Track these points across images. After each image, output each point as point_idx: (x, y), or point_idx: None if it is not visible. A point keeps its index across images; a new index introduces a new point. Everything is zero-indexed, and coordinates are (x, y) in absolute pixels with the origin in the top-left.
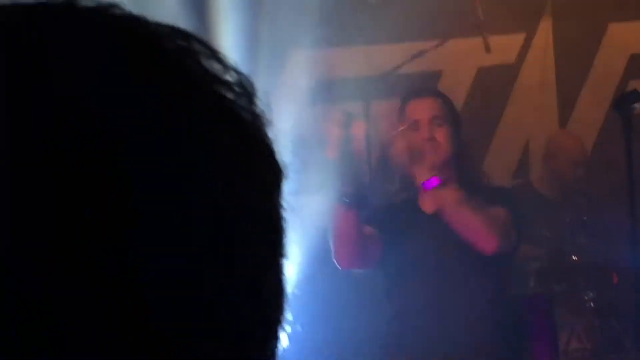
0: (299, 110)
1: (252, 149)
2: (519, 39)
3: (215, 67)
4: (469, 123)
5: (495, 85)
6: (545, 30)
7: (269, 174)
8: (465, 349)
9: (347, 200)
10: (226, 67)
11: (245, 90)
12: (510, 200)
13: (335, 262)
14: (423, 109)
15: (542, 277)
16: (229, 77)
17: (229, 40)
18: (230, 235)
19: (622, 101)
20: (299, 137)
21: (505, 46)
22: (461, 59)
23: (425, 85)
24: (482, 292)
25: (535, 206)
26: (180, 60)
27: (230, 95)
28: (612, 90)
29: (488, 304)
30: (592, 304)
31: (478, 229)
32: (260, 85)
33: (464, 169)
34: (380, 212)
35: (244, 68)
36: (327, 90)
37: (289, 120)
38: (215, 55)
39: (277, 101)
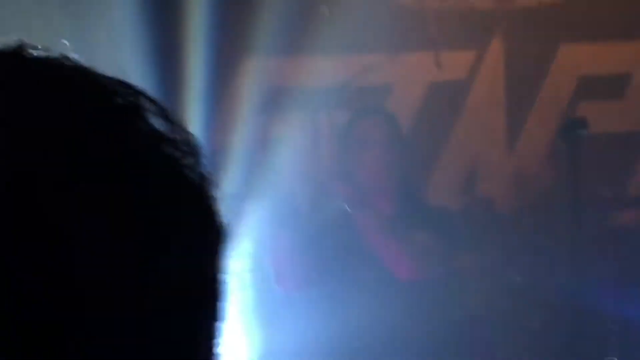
0: (249, 118)
1: (194, 212)
2: (470, 56)
3: (163, 125)
4: (418, 137)
5: (445, 101)
6: (496, 49)
7: (209, 237)
8: None
9: (287, 221)
10: (174, 125)
11: (192, 149)
12: (447, 222)
13: (278, 285)
14: (367, 130)
15: (484, 296)
16: (176, 136)
17: (183, 46)
18: (162, 298)
19: (568, 128)
20: (246, 145)
21: (456, 63)
22: (412, 74)
23: (372, 105)
24: (417, 313)
25: (483, 225)
26: (127, 118)
27: (176, 155)
28: (562, 110)
29: (425, 324)
30: (535, 324)
31: (394, 257)
32: (211, 92)
33: (403, 189)
34: (317, 232)
35: (196, 73)
36: (277, 100)
37: (239, 128)
38: (163, 113)
39: (228, 109)
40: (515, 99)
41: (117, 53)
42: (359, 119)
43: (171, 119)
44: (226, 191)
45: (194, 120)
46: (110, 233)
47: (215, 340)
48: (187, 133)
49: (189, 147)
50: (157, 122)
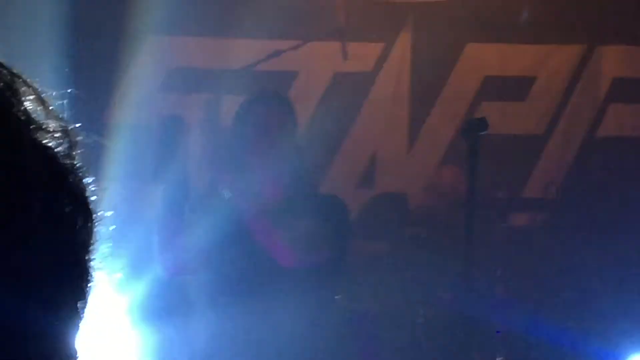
0: (150, 97)
1: (63, 198)
2: (377, 48)
3: (39, 110)
4: (320, 126)
5: (349, 91)
6: (403, 42)
7: (79, 227)
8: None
9: (173, 204)
10: (49, 111)
11: (67, 137)
12: (335, 210)
13: (161, 268)
14: (261, 114)
15: (376, 288)
16: (52, 123)
17: (85, 24)
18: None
19: (468, 127)
20: (145, 125)
21: (363, 54)
22: (318, 62)
23: (267, 88)
24: (308, 302)
25: (377, 217)
26: (1, 103)
27: (51, 143)
28: (464, 109)
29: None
30: (423, 319)
31: (276, 244)
32: (115, 70)
33: (294, 175)
34: (204, 218)
35: (98, 53)
36: (179, 80)
37: (139, 107)
38: (39, 97)
39: (129, 87)
40: (419, 94)
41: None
42: (254, 102)
43: (47, 104)
44: (116, 173)
45: (94, 97)
46: None
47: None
48: (63, 120)
49: (65, 134)
50: (32, 107)
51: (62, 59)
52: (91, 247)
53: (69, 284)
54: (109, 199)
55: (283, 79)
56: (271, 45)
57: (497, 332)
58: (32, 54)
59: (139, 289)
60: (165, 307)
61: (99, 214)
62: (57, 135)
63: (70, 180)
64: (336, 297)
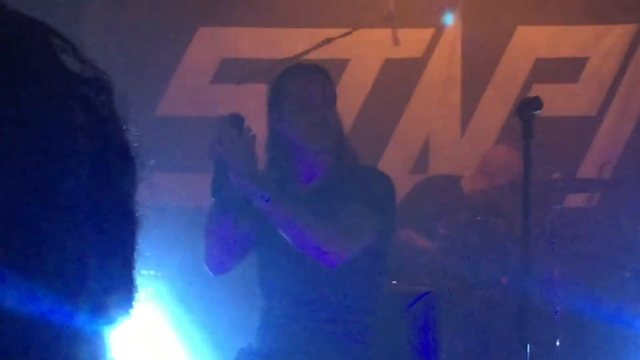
0: (203, 88)
1: (107, 146)
2: (427, 33)
3: (75, 63)
4: (372, 113)
5: (401, 77)
6: (454, 27)
7: (124, 171)
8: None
9: (222, 201)
10: (85, 63)
11: (104, 87)
12: (380, 185)
13: (208, 268)
14: (313, 87)
15: (432, 272)
16: (88, 74)
17: (133, 13)
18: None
19: (523, 106)
20: (198, 115)
21: (413, 40)
22: (369, 49)
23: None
24: (355, 284)
25: (434, 202)
26: (39, 56)
27: (88, 93)
28: (516, 92)
29: (365, 296)
30: (480, 303)
31: (313, 245)
32: (165, 61)
33: (341, 148)
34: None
35: (148, 42)
36: (232, 71)
37: (192, 98)
38: (75, 51)
39: (182, 77)
40: (471, 78)
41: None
42: (292, 74)
43: (83, 57)
44: (168, 164)
45: (148, 88)
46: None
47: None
48: (99, 71)
49: (101, 85)
50: (69, 60)
51: (114, 51)
52: (135, 196)
53: (123, 232)
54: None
55: (334, 67)
56: (321, 33)
57: (556, 312)
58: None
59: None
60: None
61: (141, 162)
62: (96, 86)
63: (112, 128)
64: (393, 282)
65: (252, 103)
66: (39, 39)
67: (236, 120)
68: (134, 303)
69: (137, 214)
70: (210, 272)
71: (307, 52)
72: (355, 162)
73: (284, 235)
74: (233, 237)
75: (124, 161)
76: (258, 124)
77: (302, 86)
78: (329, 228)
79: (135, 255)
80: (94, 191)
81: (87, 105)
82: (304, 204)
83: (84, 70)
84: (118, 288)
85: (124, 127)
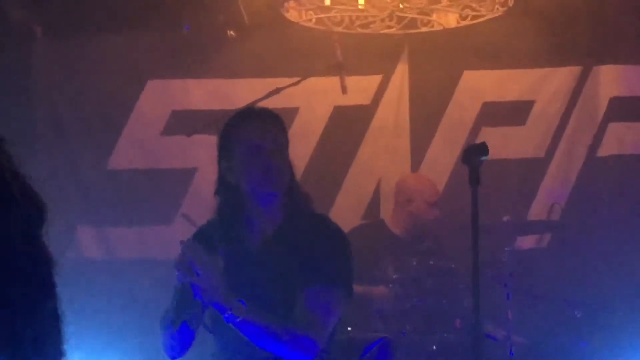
0: (154, 140)
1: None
2: (375, 80)
3: None
4: (323, 160)
5: (350, 124)
6: (401, 73)
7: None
8: None
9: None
10: None
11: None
12: (348, 246)
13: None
14: (264, 132)
15: (386, 319)
16: None
17: (81, 67)
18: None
19: (469, 153)
20: (149, 167)
21: (362, 87)
22: (318, 97)
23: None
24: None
25: (385, 246)
26: None
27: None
28: (464, 136)
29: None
30: (434, 348)
31: (285, 353)
32: (115, 114)
33: (294, 193)
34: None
35: (98, 96)
36: (183, 122)
37: (142, 150)
38: None
39: (132, 130)
40: (420, 123)
41: None
42: (244, 118)
43: None
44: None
45: (99, 142)
46: None
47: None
48: None
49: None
50: None
51: (63, 108)
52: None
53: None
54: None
55: (284, 116)
56: (271, 83)
57: (511, 353)
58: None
59: None
60: None
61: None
62: None
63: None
64: (348, 329)
65: (203, 154)
66: None
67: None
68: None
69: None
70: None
71: (257, 101)
72: (309, 209)
73: (257, 344)
74: (193, 333)
75: (40, 208)
76: (210, 175)
77: (253, 130)
78: (302, 333)
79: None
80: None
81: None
82: (257, 262)
83: None
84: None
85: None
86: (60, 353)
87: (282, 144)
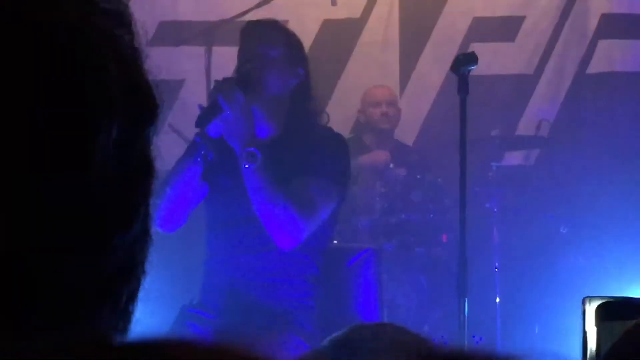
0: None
1: (125, 84)
2: None
3: None
4: (311, 74)
5: (339, 38)
6: None
7: (141, 110)
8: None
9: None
10: None
11: (123, 20)
12: (344, 148)
13: (158, 222)
14: (255, 39)
15: (373, 232)
16: (107, 6)
17: None
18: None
19: (458, 62)
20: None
21: (351, 0)
22: (307, 10)
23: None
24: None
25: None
26: None
27: (108, 25)
28: (454, 51)
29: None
30: (420, 261)
31: (275, 225)
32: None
33: (297, 104)
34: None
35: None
36: (170, 33)
37: None
38: None
39: None
40: (409, 38)
41: None
42: (252, 26)
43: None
44: None
45: None
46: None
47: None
48: (119, 3)
49: (120, 18)
50: None
51: None
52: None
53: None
54: None
55: None
56: None
57: (495, 269)
58: None
59: None
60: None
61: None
62: (116, 19)
63: (136, 70)
64: (334, 241)
65: (191, 65)
66: None
67: (245, 83)
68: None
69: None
70: (158, 228)
71: (245, 13)
72: (315, 118)
73: (254, 204)
74: (191, 194)
75: (150, 107)
76: (198, 87)
77: (244, 35)
78: (295, 208)
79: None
80: (123, 146)
81: (113, 46)
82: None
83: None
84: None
85: (141, 64)
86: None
87: (270, 51)
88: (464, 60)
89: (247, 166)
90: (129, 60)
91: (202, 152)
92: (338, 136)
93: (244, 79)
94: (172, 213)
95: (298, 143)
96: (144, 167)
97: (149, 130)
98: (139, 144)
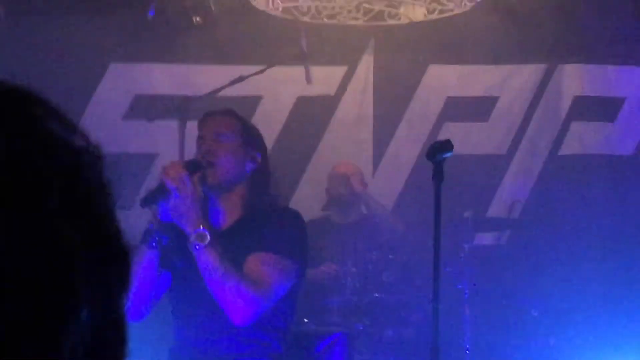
0: (115, 124)
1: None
2: (340, 71)
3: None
4: (285, 150)
5: (313, 115)
6: (366, 65)
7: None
8: None
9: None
10: (70, 127)
11: (93, 154)
12: (301, 224)
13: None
14: (210, 126)
15: (344, 312)
16: (76, 139)
17: (43, 49)
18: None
19: (434, 149)
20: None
21: (326, 78)
22: (282, 87)
23: (225, 107)
24: (265, 321)
25: (338, 240)
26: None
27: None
28: (428, 130)
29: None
30: (391, 342)
31: (228, 303)
32: (76, 98)
33: (255, 189)
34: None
35: (59, 79)
36: (145, 106)
37: (103, 134)
38: (59, 117)
39: (94, 114)
40: (383, 116)
41: None
42: (208, 116)
43: (68, 123)
44: None
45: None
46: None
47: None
48: (87, 136)
49: (89, 149)
50: (55, 128)
51: (23, 84)
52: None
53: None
54: None
55: (248, 104)
56: (235, 70)
57: (467, 350)
58: None
59: None
60: None
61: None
62: (87, 150)
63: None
64: (305, 320)
65: (164, 140)
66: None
67: (193, 166)
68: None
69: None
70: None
71: (220, 89)
72: (274, 202)
73: (207, 283)
74: (152, 281)
75: (121, 273)
76: (171, 160)
77: (201, 122)
78: (247, 286)
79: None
80: (95, 325)
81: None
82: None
83: (72, 138)
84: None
85: (112, 201)
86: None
87: (226, 137)
88: (439, 148)
89: (197, 247)
90: (96, 212)
91: (156, 237)
92: (294, 214)
93: (196, 162)
94: (134, 302)
95: (255, 225)
96: (117, 337)
97: (121, 298)
98: (111, 314)
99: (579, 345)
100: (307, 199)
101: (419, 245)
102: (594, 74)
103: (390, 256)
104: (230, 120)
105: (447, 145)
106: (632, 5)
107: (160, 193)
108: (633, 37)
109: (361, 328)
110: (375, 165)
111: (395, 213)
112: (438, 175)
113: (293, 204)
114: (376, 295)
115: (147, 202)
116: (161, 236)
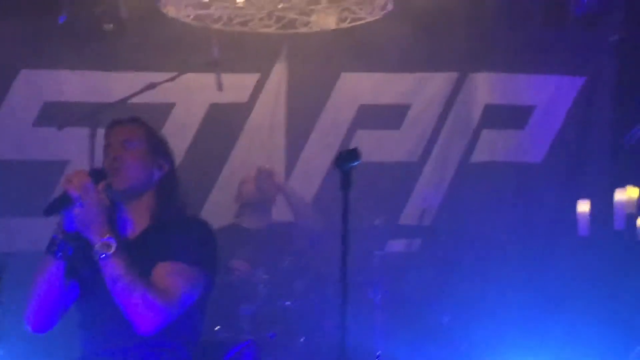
0: (25, 131)
1: None
2: (252, 79)
3: None
4: (197, 157)
5: (226, 122)
6: (279, 73)
7: None
8: None
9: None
10: None
11: None
12: (209, 232)
13: (28, 324)
14: (116, 133)
15: (255, 320)
16: None
17: None
18: None
19: (341, 158)
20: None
21: (239, 85)
22: (194, 94)
23: (132, 115)
24: (172, 331)
25: (249, 246)
26: None
27: None
28: (340, 138)
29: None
30: (300, 350)
31: (134, 312)
32: None
33: (163, 197)
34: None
35: None
36: (55, 113)
37: (13, 141)
38: None
39: (3, 121)
40: (296, 124)
41: None
42: (115, 124)
43: None
44: None
45: None
46: None
47: None
48: None
49: None
50: None
51: None
52: None
53: None
54: None
55: (160, 111)
56: (146, 77)
57: (377, 357)
58: None
59: None
60: None
61: None
62: None
63: None
64: (216, 328)
65: (75, 147)
66: None
67: (98, 174)
68: None
69: None
70: (30, 329)
71: (132, 96)
72: (182, 211)
73: (112, 292)
74: (59, 292)
75: None
76: (81, 167)
77: (108, 128)
78: (154, 295)
79: None
80: None
81: None
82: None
83: None
84: None
85: None
86: None
87: (132, 144)
88: (347, 157)
89: (102, 256)
90: None
91: (62, 247)
92: (202, 223)
93: (101, 171)
94: (39, 312)
95: (163, 234)
96: None
97: None
98: None
99: (490, 350)
100: (219, 206)
101: (330, 252)
102: (504, 83)
103: (302, 263)
104: (137, 128)
105: (354, 153)
106: (541, 15)
107: (62, 202)
108: (543, 46)
109: (272, 336)
110: (288, 173)
111: (315, 206)
112: (346, 184)
113: (205, 211)
114: (287, 303)
115: (49, 211)
116: (66, 246)
